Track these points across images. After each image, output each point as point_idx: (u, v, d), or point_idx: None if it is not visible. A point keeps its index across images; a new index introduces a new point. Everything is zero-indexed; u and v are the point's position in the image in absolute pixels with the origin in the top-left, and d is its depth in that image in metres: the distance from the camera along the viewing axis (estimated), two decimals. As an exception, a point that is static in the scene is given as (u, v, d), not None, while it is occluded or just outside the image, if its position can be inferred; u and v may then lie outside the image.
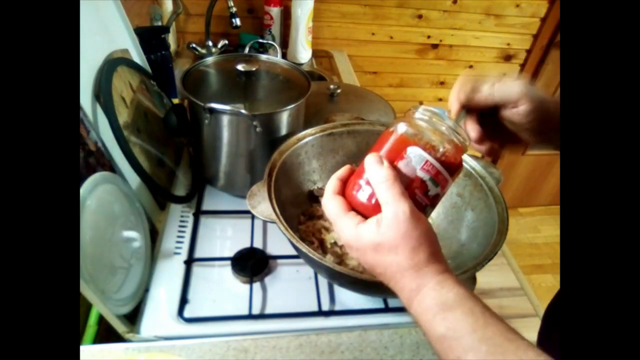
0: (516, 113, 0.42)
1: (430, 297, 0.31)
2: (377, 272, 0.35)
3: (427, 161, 0.35)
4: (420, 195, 0.36)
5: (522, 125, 0.43)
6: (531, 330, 0.63)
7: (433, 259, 0.33)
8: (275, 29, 1.29)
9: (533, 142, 0.46)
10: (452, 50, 1.57)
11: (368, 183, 0.35)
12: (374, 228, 0.33)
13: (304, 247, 0.48)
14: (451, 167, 0.36)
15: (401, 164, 0.35)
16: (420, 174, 0.35)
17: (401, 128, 0.37)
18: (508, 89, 0.42)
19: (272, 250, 0.66)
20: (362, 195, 0.36)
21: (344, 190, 0.38)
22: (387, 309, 0.60)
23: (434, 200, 0.37)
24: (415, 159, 0.35)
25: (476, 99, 0.42)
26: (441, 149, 0.36)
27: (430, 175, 0.35)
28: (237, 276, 0.62)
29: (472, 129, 0.45)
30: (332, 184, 0.38)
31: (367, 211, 0.36)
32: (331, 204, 0.37)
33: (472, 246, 0.57)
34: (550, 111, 0.43)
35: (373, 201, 0.35)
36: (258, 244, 0.67)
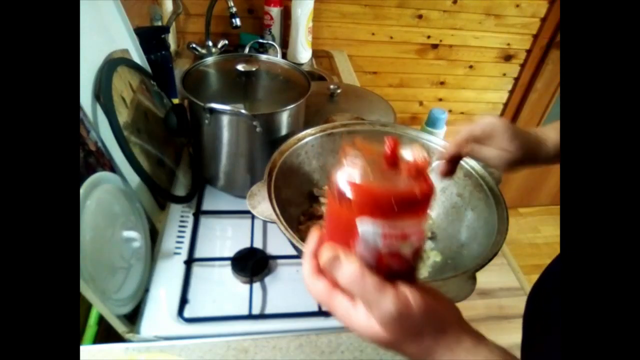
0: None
1: None
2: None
3: (384, 233, 0.26)
4: (397, 266, 0.28)
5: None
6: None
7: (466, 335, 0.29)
8: (275, 29, 1.29)
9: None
10: (452, 50, 1.57)
11: None
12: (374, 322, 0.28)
13: (304, 247, 0.47)
14: (418, 209, 0.27)
15: (360, 246, 0.27)
16: (385, 249, 0.27)
17: (339, 195, 0.27)
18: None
19: (272, 250, 0.66)
20: None
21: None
22: (387, 309, 0.59)
23: (416, 256, 0.29)
24: (371, 236, 0.27)
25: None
26: (395, 203, 0.26)
27: (397, 240, 0.27)
28: (237, 276, 0.62)
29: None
30: (309, 264, 0.33)
31: None
32: (316, 288, 0.32)
33: (472, 246, 0.57)
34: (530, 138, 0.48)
35: None
36: (258, 244, 0.67)
